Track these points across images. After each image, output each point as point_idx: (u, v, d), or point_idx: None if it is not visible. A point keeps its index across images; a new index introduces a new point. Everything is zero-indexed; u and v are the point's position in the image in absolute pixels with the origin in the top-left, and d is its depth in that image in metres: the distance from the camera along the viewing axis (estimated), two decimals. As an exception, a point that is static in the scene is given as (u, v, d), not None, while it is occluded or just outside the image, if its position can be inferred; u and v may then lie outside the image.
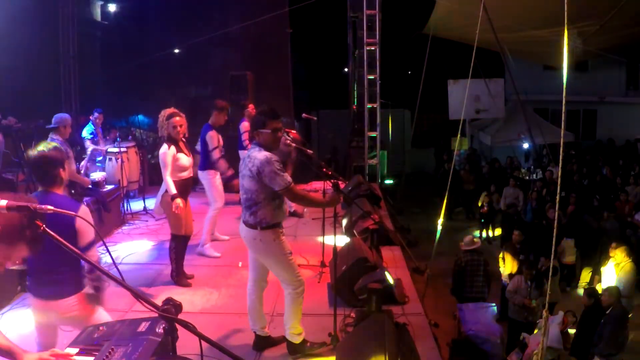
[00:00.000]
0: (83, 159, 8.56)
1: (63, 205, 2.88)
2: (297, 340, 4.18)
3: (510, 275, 8.29)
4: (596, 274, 9.44)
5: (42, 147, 3.06)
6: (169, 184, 5.35)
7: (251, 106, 8.01)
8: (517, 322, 7.53)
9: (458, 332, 7.32)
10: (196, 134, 6.77)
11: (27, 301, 4.98)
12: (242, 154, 7.42)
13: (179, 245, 5.60)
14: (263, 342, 4.33)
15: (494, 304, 7.81)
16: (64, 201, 3.07)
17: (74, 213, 2.14)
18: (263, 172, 3.80)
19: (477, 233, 12.66)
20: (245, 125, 7.78)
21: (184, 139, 5.58)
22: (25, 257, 1.99)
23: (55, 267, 2.99)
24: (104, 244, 2.34)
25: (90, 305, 3.11)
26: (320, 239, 6.27)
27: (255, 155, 3.87)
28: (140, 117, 14.21)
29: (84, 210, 3.07)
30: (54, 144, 3.20)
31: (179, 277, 5.69)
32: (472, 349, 6.96)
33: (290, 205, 7.76)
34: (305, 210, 8.32)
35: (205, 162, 6.55)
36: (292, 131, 5.19)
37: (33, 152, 3.05)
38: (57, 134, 6.33)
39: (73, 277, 3.06)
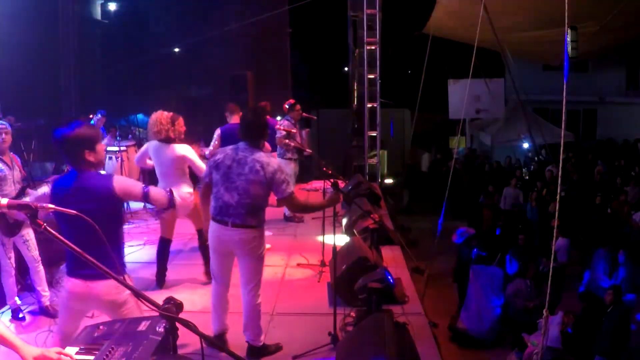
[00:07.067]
0: None
1: (95, 181, 3.04)
2: (259, 343, 4.17)
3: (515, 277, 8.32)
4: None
5: (69, 127, 3.03)
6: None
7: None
8: (517, 322, 7.54)
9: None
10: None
11: (28, 300, 5.03)
12: None
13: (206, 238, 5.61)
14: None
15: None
16: (96, 177, 3.09)
17: (74, 212, 2.13)
18: (275, 178, 3.78)
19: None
20: None
21: None
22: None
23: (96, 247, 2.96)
24: (105, 243, 2.34)
25: (127, 292, 3.05)
26: (320, 238, 6.26)
27: (265, 161, 3.81)
28: (140, 117, 14.19)
29: (118, 179, 3.10)
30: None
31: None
32: (467, 340, 7.78)
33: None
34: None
35: None
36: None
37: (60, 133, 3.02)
38: None
39: (114, 259, 2.95)
